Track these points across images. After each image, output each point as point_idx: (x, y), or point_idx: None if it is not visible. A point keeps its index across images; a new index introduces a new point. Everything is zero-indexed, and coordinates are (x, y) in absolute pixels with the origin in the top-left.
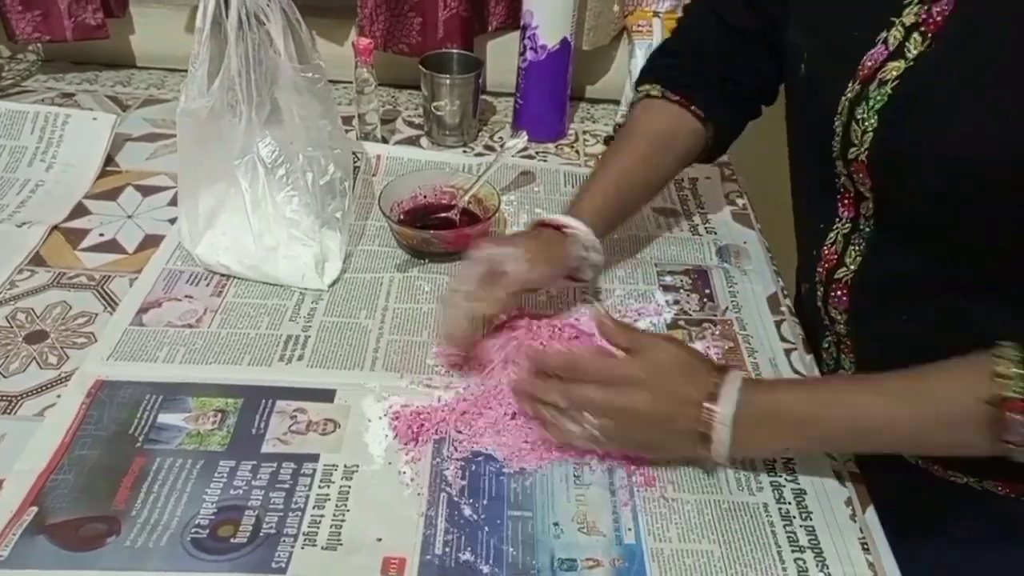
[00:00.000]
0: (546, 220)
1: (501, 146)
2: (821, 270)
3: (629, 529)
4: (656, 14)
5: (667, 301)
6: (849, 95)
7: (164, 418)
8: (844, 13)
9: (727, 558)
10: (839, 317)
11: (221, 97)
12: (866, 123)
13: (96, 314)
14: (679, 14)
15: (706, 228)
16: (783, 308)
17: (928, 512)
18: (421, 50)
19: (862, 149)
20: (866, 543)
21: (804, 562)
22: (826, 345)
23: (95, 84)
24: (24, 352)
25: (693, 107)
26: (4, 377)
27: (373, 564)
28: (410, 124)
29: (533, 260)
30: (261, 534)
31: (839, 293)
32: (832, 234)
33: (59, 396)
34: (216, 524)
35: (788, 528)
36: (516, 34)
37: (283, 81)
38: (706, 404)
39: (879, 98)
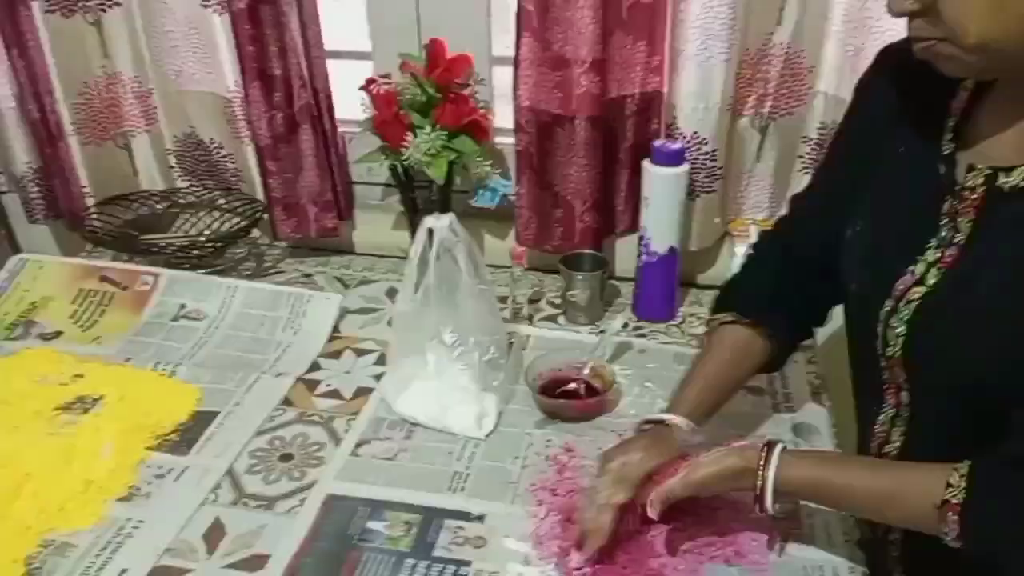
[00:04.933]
0: (651, 418)
1: (602, 331)
2: (875, 444)
3: None
4: (753, 221)
5: None
6: (887, 308)
7: (371, 524)
8: (887, 255)
9: None
10: None
11: (423, 300)
12: (898, 330)
13: (324, 443)
14: (771, 219)
15: (786, 407)
16: None
17: None
18: (562, 250)
19: (896, 350)
20: None
21: None
22: None
23: (326, 267)
24: (279, 468)
25: (761, 328)
26: (266, 483)
27: None
28: (551, 304)
29: (647, 452)
30: None
31: None
32: (882, 416)
33: (301, 501)
34: None
35: None
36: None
37: (463, 289)
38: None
39: (906, 313)
